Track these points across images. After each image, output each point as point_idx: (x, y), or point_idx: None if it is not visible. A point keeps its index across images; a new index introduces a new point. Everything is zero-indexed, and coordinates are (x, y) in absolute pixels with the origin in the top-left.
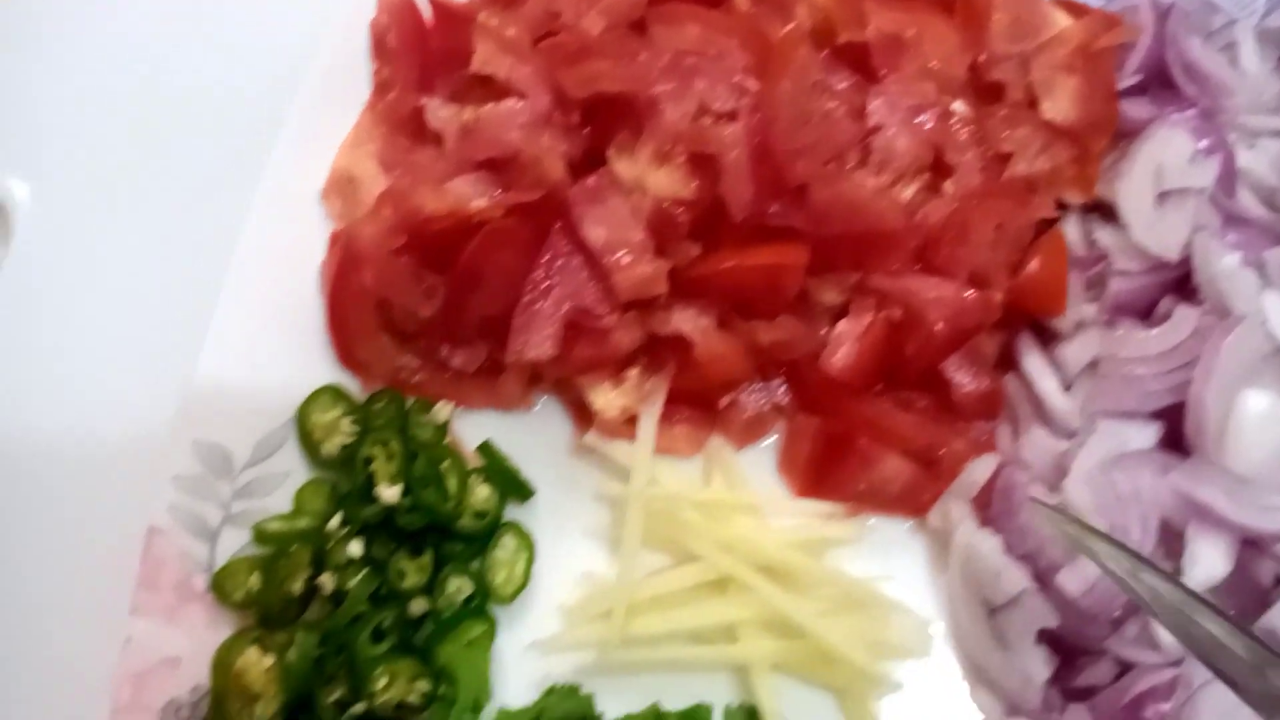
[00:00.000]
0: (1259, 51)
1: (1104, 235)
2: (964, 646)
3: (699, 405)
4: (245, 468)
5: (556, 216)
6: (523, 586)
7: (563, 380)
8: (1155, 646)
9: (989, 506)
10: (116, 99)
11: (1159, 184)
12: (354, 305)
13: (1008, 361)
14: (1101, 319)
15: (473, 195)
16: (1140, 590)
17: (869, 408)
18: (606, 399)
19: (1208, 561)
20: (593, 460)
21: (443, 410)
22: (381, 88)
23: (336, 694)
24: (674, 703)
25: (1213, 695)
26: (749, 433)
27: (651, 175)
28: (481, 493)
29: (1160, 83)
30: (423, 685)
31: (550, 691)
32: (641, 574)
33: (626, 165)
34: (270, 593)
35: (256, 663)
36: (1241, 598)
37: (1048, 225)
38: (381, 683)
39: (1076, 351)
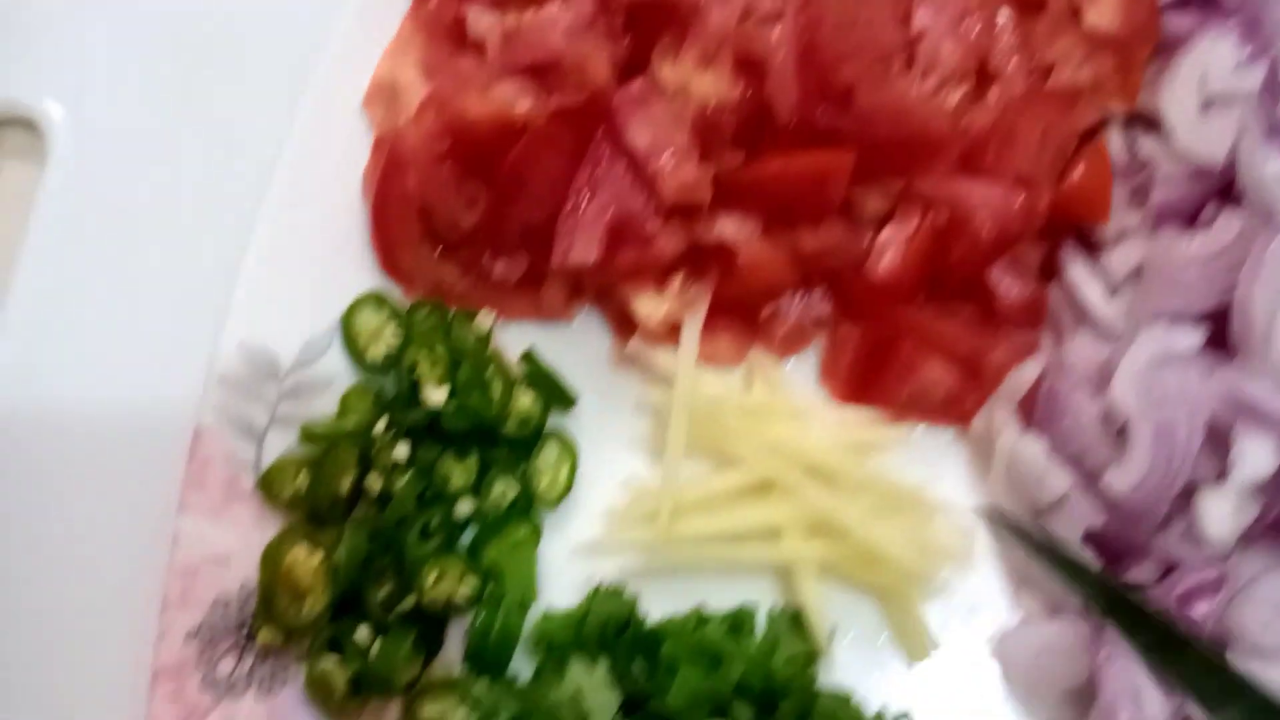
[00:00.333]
0: None
1: (1147, 144)
2: (1008, 550)
3: (741, 315)
4: (291, 371)
5: (600, 122)
6: (566, 492)
7: (604, 290)
8: (1201, 544)
9: (1032, 412)
10: (152, 15)
11: (1203, 91)
12: (397, 211)
13: (1049, 272)
14: (1145, 227)
15: (516, 100)
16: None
17: (914, 314)
18: (649, 306)
19: (1254, 458)
20: (633, 372)
21: (485, 319)
22: None
23: (384, 591)
24: (717, 606)
25: (1259, 591)
26: (790, 343)
27: (696, 79)
28: (525, 400)
29: None
30: (470, 583)
31: (595, 592)
32: (684, 479)
33: (671, 70)
34: (318, 491)
35: (305, 560)
36: None
37: (1090, 137)
38: (431, 578)
39: (1120, 259)
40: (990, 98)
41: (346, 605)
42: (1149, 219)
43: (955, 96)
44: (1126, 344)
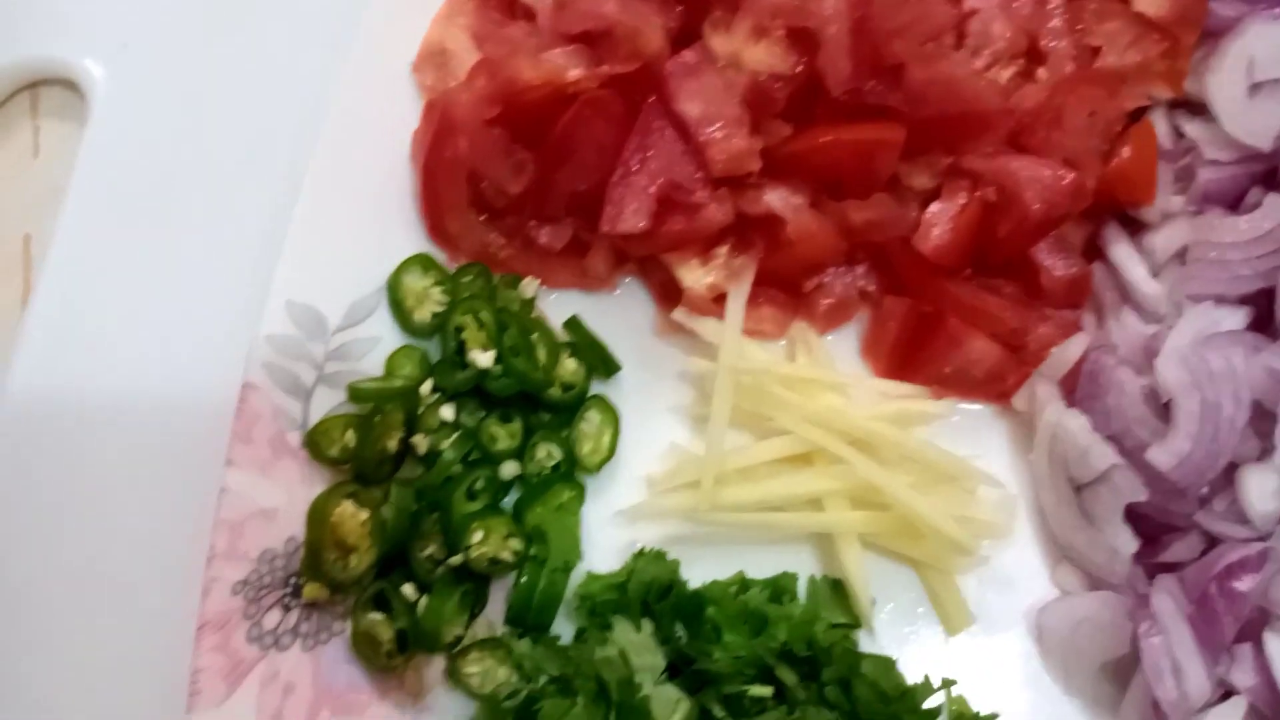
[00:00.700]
0: None
1: (1192, 128)
2: (1049, 525)
3: (785, 288)
4: (338, 330)
5: (651, 90)
6: (608, 458)
7: (648, 260)
8: (1245, 521)
9: (1075, 389)
10: None
11: (1251, 76)
12: (446, 174)
13: (1091, 254)
14: (1189, 209)
15: (567, 67)
16: None
17: (959, 288)
18: (695, 276)
19: None
20: (675, 342)
21: (530, 286)
22: None
23: (430, 549)
24: (755, 575)
25: None
26: (833, 317)
27: (748, 50)
28: (569, 365)
29: None
30: (515, 544)
31: (639, 555)
32: (727, 448)
33: (723, 40)
34: (366, 449)
35: (352, 516)
36: None
37: (1136, 120)
38: (476, 537)
39: (1164, 240)
40: (1039, 77)
41: (391, 563)
42: (1194, 201)
43: (1005, 75)
44: (1171, 323)
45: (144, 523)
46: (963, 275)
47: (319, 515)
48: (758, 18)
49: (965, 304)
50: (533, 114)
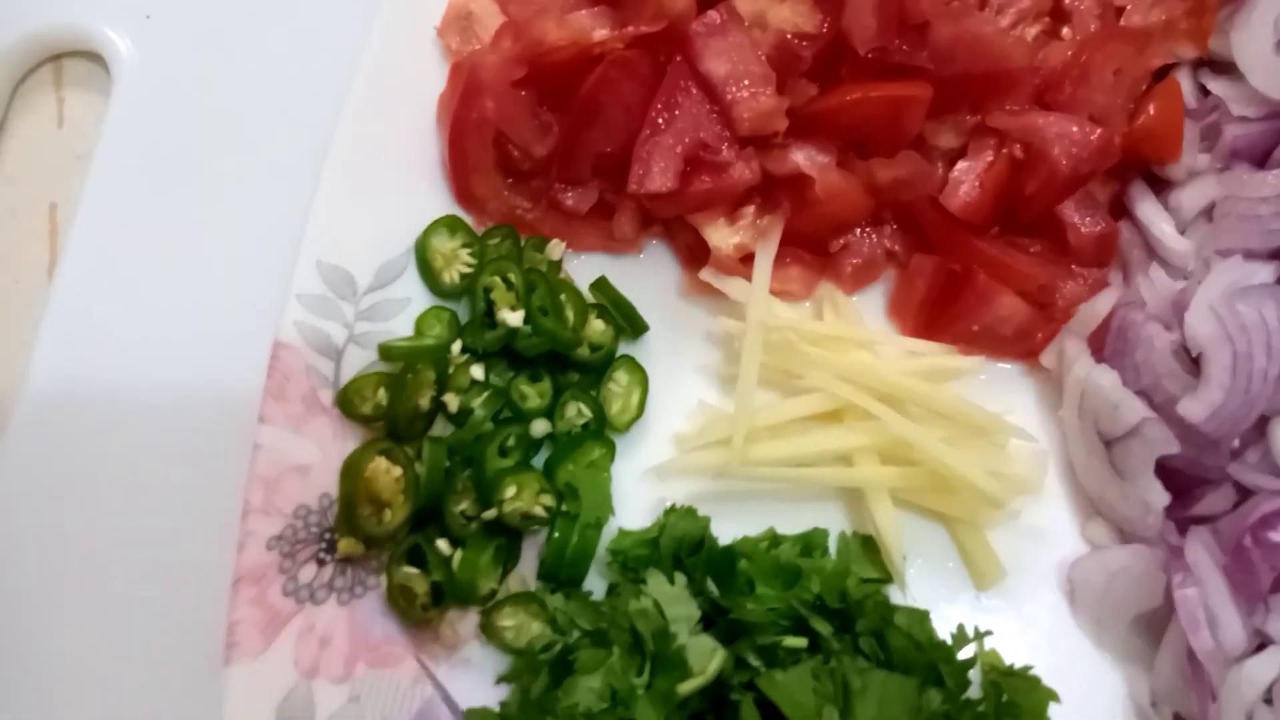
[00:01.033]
0: None
1: (1218, 86)
2: (1080, 480)
3: (811, 248)
4: (367, 291)
5: (677, 50)
6: (637, 416)
7: (673, 222)
8: (1278, 472)
9: (1104, 345)
10: None
11: (1278, 32)
12: (472, 137)
13: (1117, 212)
14: (1216, 166)
15: (593, 28)
16: None
17: (988, 245)
18: (722, 236)
19: None
20: (701, 302)
21: (556, 247)
22: None
23: (463, 505)
24: (784, 532)
25: None
26: (860, 276)
27: (773, 10)
28: (597, 326)
29: None
30: (547, 499)
31: (670, 511)
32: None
33: (748, 0)
34: (398, 406)
35: (385, 472)
36: None
37: (1161, 79)
38: (509, 492)
39: (1191, 197)
40: (1064, 36)
41: (423, 518)
42: (1220, 158)
43: (1030, 33)
44: (1199, 279)
45: (181, 479)
46: (990, 234)
47: (353, 471)
48: None
49: (993, 260)
50: (558, 75)
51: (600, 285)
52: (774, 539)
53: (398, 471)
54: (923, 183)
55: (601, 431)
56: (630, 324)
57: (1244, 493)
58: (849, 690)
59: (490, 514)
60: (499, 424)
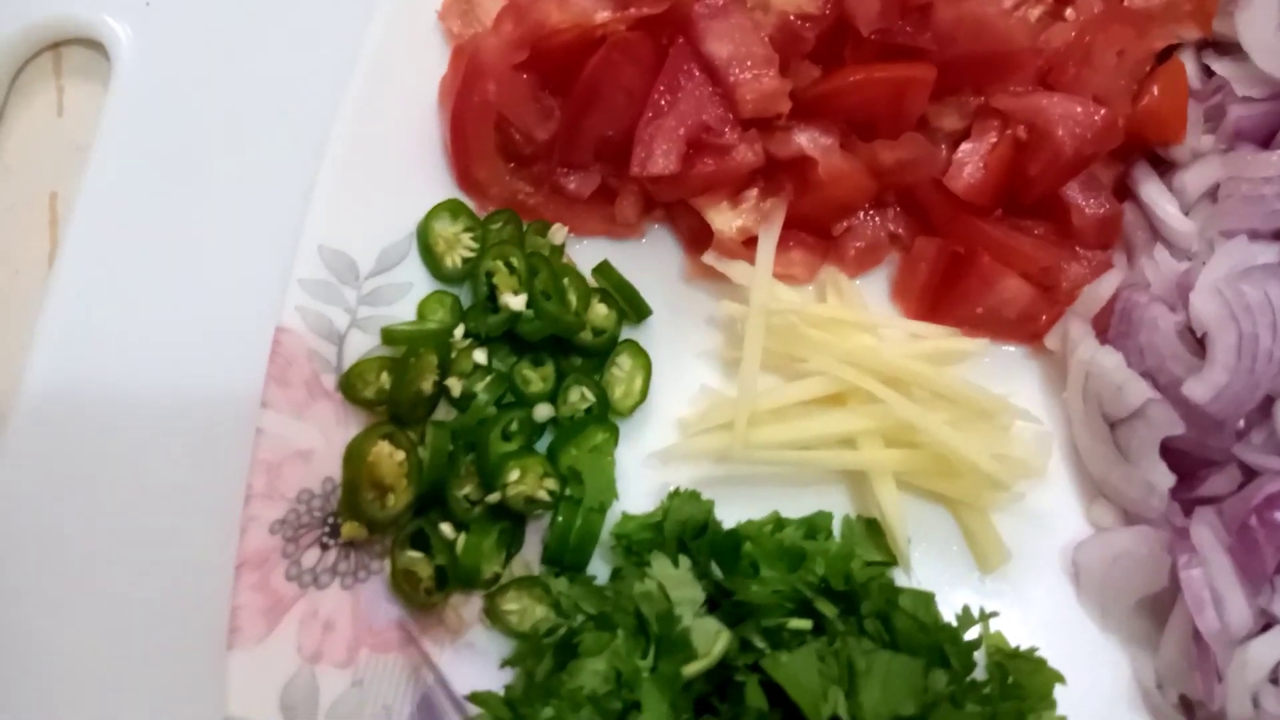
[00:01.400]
0: None
1: (1222, 66)
2: (1084, 462)
3: (815, 231)
4: (370, 276)
5: (679, 32)
6: (640, 401)
7: (676, 206)
8: None
9: (1109, 326)
10: None
11: None
12: (474, 120)
13: (1121, 194)
14: (1220, 147)
15: (595, 10)
16: None
17: (992, 227)
18: (725, 219)
19: None
20: (704, 286)
21: (559, 232)
22: None
23: (467, 489)
24: (791, 515)
25: None
26: (863, 260)
27: None
28: (600, 310)
29: None
30: (550, 483)
31: (674, 495)
32: (759, 389)
33: None
34: (401, 391)
35: (388, 456)
36: None
37: (1164, 61)
38: (513, 476)
39: (1195, 178)
40: (1067, 17)
41: (427, 503)
42: (1225, 139)
43: (1033, 14)
44: (1203, 260)
45: (184, 467)
46: (993, 216)
47: (356, 455)
48: None
49: (998, 242)
50: (560, 58)
51: (603, 269)
52: (778, 522)
53: (401, 456)
54: (926, 165)
55: (605, 416)
56: (633, 308)
57: (1249, 473)
58: (854, 671)
59: (494, 498)
60: (502, 408)
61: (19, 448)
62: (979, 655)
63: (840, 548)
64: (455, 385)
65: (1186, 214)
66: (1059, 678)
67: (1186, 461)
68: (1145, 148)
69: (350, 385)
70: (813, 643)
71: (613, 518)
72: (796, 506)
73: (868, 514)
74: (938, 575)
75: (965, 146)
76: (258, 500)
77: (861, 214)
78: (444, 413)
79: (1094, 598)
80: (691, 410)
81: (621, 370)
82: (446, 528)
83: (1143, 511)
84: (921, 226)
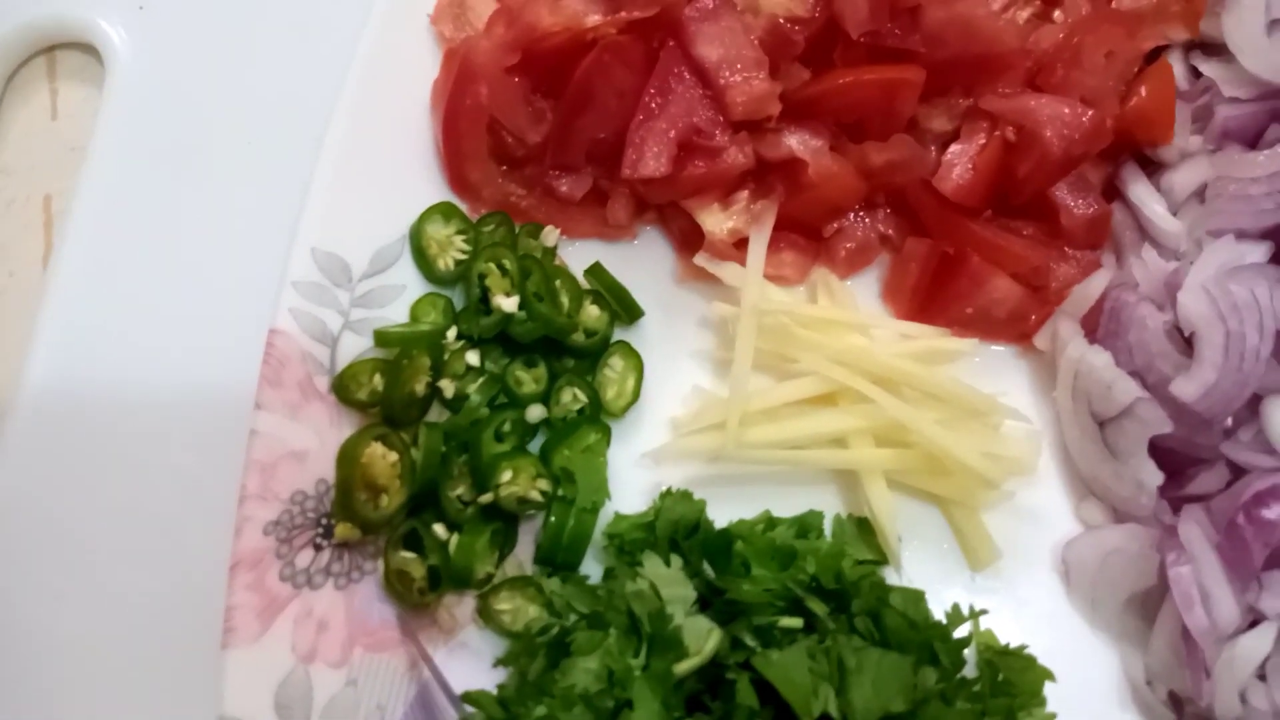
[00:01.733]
0: None
1: (1209, 68)
2: (1074, 461)
3: (805, 232)
4: (363, 278)
5: (670, 35)
6: (633, 402)
7: (667, 208)
8: (1271, 450)
9: (1098, 326)
10: None
11: (1270, 13)
12: (466, 123)
13: (1109, 195)
14: (1208, 147)
15: (586, 13)
16: None
17: (982, 227)
18: (716, 220)
19: None
20: (696, 288)
21: (551, 234)
22: None
23: (460, 489)
24: (783, 515)
25: None
26: (854, 261)
27: None
28: (592, 312)
29: None
30: (543, 483)
31: (666, 494)
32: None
33: None
34: (394, 392)
35: (381, 457)
36: None
37: (1152, 62)
38: (505, 476)
39: (1183, 179)
40: (1055, 19)
41: (420, 504)
42: (1212, 140)
43: (1022, 16)
44: (1191, 259)
45: (178, 467)
46: (983, 216)
47: (349, 456)
48: None
49: (987, 243)
50: (552, 61)
51: (595, 271)
52: (769, 521)
53: (394, 457)
54: (916, 166)
55: (597, 416)
56: (625, 309)
57: (1237, 471)
58: (844, 669)
59: (486, 498)
60: (495, 409)
61: (15, 448)
62: (969, 653)
63: (831, 546)
64: (448, 387)
65: (1174, 214)
66: (1049, 675)
67: (1175, 459)
68: (1134, 148)
69: (343, 387)
70: (804, 641)
71: (605, 518)
72: (789, 505)
73: (859, 513)
74: (928, 573)
75: (954, 148)
76: (252, 501)
77: (852, 215)
78: (437, 414)
79: (1084, 595)
80: (683, 410)
81: (614, 371)
82: (439, 528)
83: (1132, 509)
84: (911, 227)
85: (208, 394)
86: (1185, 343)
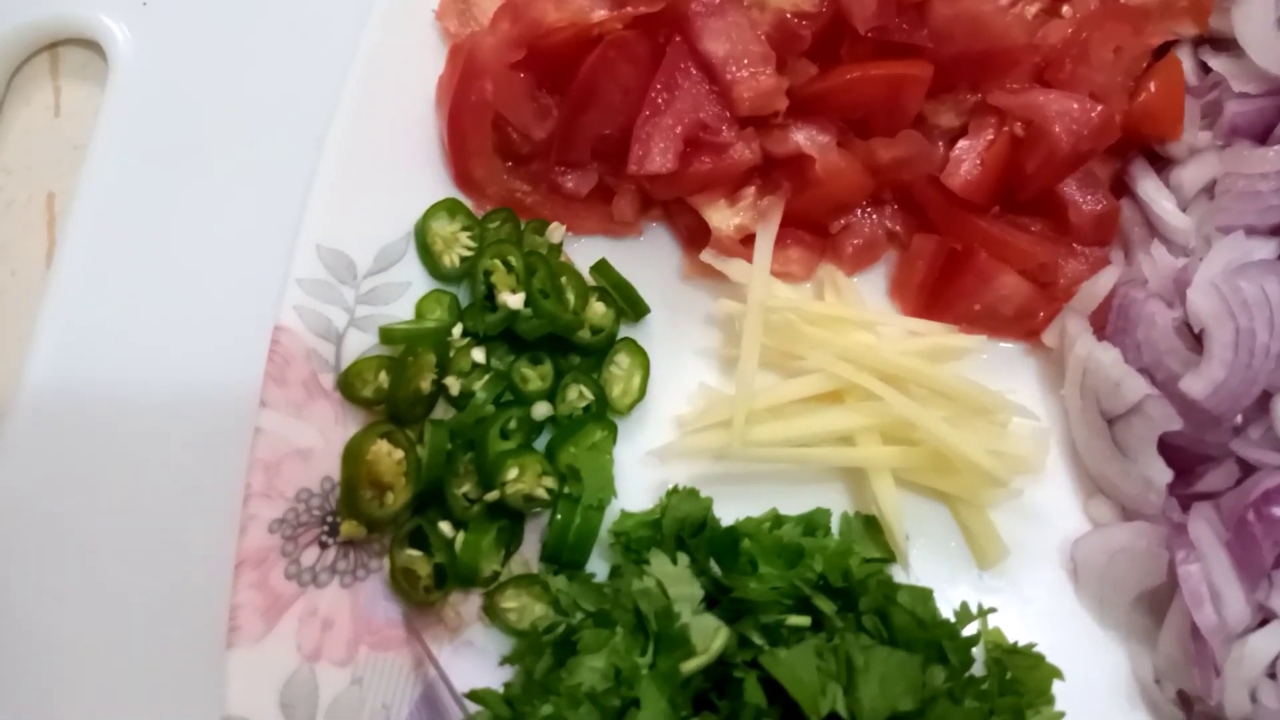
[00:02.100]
0: None
1: (1219, 63)
2: (1082, 458)
3: (812, 229)
4: (368, 275)
5: (676, 31)
6: (639, 399)
7: (673, 204)
8: None
9: (1106, 323)
10: None
11: (1279, 8)
12: (471, 119)
13: (1118, 191)
14: (1216, 143)
15: (592, 9)
16: None
17: (989, 224)
18: (722, 217)
19: None
20: (701, 285)
21: (556, 231)
22: None
23: (465, 487)
24: (789, 513)
25: None
26: (861, 257)
27: None
28: (598, 308)
29: None
30: (549, 481)
31: (672, 492)
32: (757, 387)
33: None
34: (399, 389)
35: (387, 455)
36: None
37: (1160, 57)
38: (511, 474)
39: (1192, 174)
40: (1063, 14)
41: (425, 501)
42: (1221, 135)
43: (1030, 11)
44: (1200, 256)
45: (183, 466)
46: (991, 213)
47: (354, 454)
48: None
49: (995, 239)
50: (557, 57)
51: (601, 268)
52: (776, 519)
53: (399, 454)
54: (923, 162)
55: (603, 414)
56: (631, 306)
57: (1246, 469)
58: (852, 667)
59: (492, 496)
60: (500, 407)
61: (17, 446)
62: (977, 651)
63: (838, 544)
64: (453, 384)
65: (1183, 210)
66: (1057, 673)
67: (1184, 457)
68: (1142, 144)
69: (348, 384)
70: (811, 639)
71: (611, 515)
72: (795, 503)
73: (866, 511)
74: (936, 571)
75: (962, 144)
76: (256, 499)
77: (859, 211)
78: (442, 411)
79: (1092, 593)
80: (690, 408)
81: (620, 368)
82: (445, 526)
83: (1141, 507)
84: (919, 224)
85: (208, 394)
86: (1194, 339)
